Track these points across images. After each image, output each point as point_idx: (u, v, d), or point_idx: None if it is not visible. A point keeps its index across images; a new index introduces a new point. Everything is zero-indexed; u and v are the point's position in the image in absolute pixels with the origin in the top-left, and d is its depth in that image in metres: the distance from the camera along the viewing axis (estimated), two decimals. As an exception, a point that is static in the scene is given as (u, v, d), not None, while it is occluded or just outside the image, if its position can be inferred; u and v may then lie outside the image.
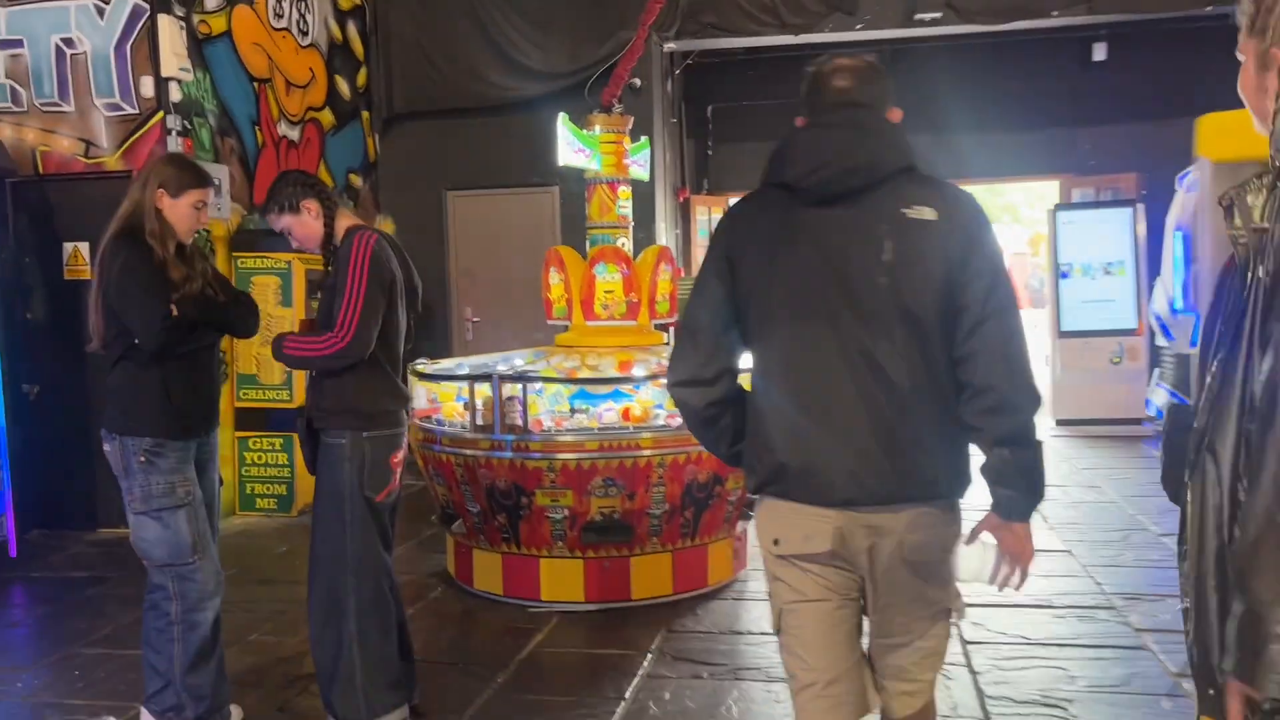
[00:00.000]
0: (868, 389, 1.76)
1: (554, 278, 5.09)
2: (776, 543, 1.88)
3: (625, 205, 5.11)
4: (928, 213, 1.77)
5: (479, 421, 4.51)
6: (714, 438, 1.98)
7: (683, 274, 6.93)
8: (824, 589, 1.87)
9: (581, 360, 4.84)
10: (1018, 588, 1.90)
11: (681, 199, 9.97)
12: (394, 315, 3.12)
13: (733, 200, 10.79)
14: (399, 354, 3.22)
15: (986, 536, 1.88)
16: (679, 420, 4.26)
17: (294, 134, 7.62)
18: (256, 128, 7.09)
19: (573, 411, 4.62)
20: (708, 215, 10.08)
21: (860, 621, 1.95)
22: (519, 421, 4.39)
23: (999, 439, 1.78)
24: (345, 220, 3.16)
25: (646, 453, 4.35)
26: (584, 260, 5.05)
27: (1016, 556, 1.86)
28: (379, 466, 3.10)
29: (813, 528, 1.82)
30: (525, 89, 8.47)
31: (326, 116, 8.16)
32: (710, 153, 10.46)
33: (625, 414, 4.58)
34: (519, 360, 5.21)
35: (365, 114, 8.84)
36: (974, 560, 1.88)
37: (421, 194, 8.98)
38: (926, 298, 1.76)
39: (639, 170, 5.33)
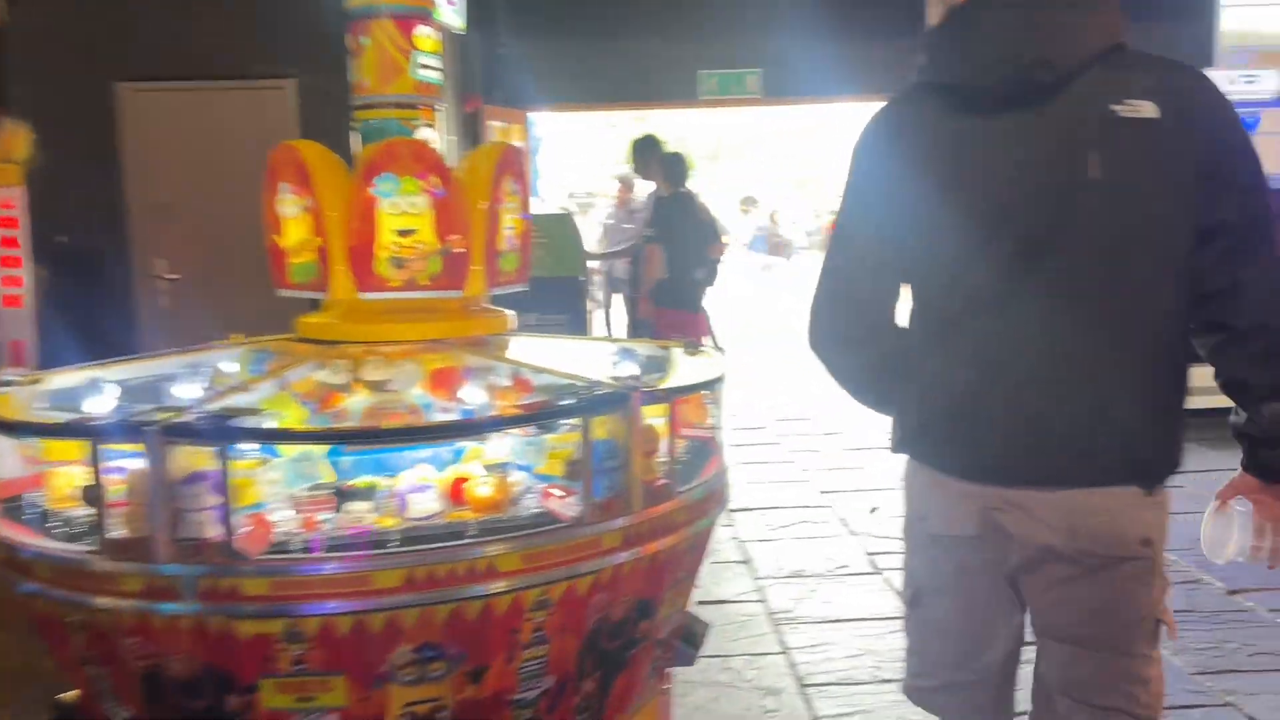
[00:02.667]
0: (1063, 341, 1.49)
1: (288, 204, 2.55)
2: (923, 518, 1.67)
3: (431, 64, 2.64)
4: (1147, 108, 1.45)
5: (115, 532, 1.96)
6: (876, 397, 1.75)
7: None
8: (972, 574, 1.62)
9: (351, 373, 2.40)
10: None
11: (469, 110, 7.43)
12: None
13: (534, 114, 8.36)
14: None
15: (1239, 503, 1.59)
16: (575, 495, 2.05)
17: None
18: None
19: (340, 496, 2.15)
20: (506, 131, 7.61)
21: (1020, 619, 1.67)
22: (211, 530, 1.90)
23: (1275, 389, 1.48)
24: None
25: (503, 585, 1.99)
26: (349, 170, 2.54)
27: None
28: None
29: (958, 506, 1.60)
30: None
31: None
32: (503, 53, 7.96)
33: (456, 493, 2.18)
34: (226, 369, 2.67)
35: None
36: (1226, 533, 1.59)
37: (79, 87, 5.93)
38: (1152, 223, 1.47)
39: (452, 12, 2.83)
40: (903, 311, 1.70)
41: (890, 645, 3.35)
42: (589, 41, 7.99)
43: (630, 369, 2.74)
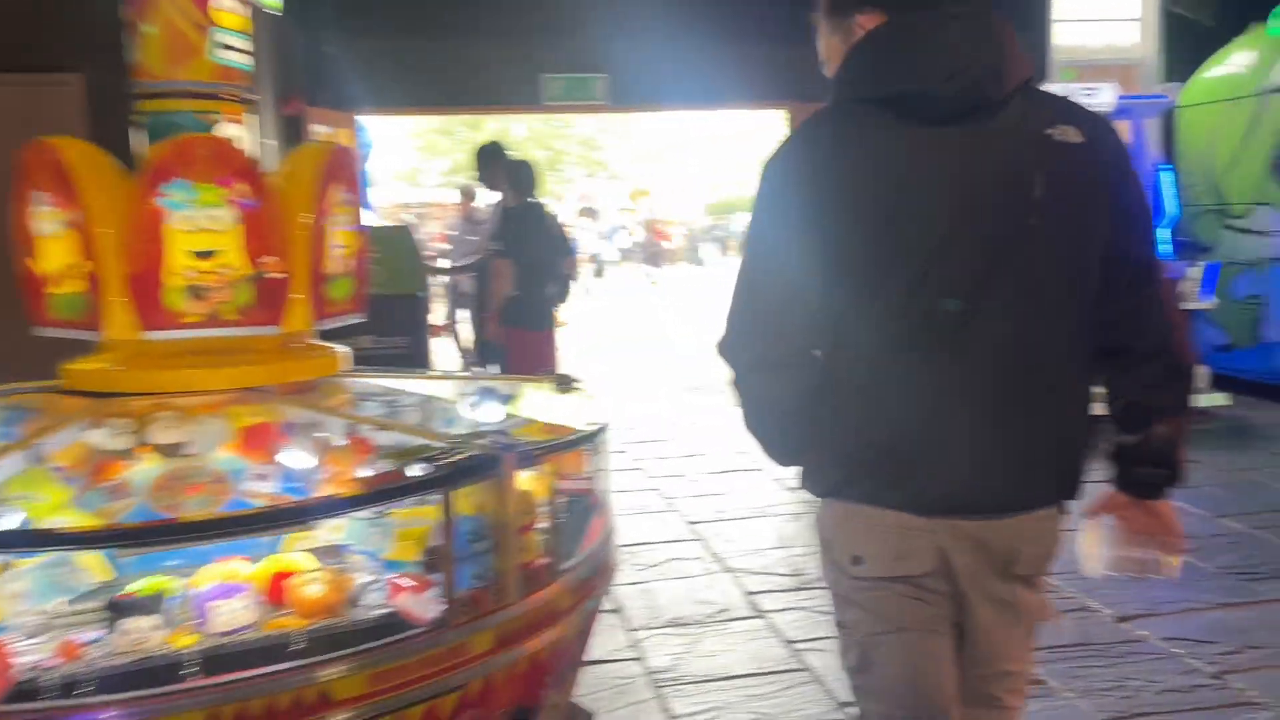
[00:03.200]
0: (1007, 364, 1.46)
1: (46, 219, 1.97)
2: (857, 561, 1.53)
3: (236, 45, 2.12)
4: (1073, 134, 1.46)
5: None
6: (783, 436, 1.59)
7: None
8: (921, 616, 1.53)
9: (135, 435, 1.86)
10: (1174, 574, 1.64)
11: (289, 112, 6.76)
12: None
13: (364, 118, 7.74)
14: None
15: (1110, 518, 1.61)
16: (435, 588, 1.59)
17: None
18: None
19: (115, 610, 1.61)
20: (331, 136, 6.96)
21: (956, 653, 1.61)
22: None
23: (1165, 411, 1.54)
24: None
25: (346, 718, 1.53)
26: (130, 174, 1.99)
27: (1165, 534, 1.60)
28: None
29: (909, 543, 1.50)
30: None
31: None
32: (328, 52, 7.31)
33: (275, 593, 1.68)
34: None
35: None
36: (1098, 547, 1.64)
37: None
38: (1080, 244, 1.48)
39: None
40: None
41: (786, 705, 3.02)
42: (425, 41, 7.45)
43: (493, 414, 2.31)
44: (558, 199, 38.13)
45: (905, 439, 1.48)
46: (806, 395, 1.54)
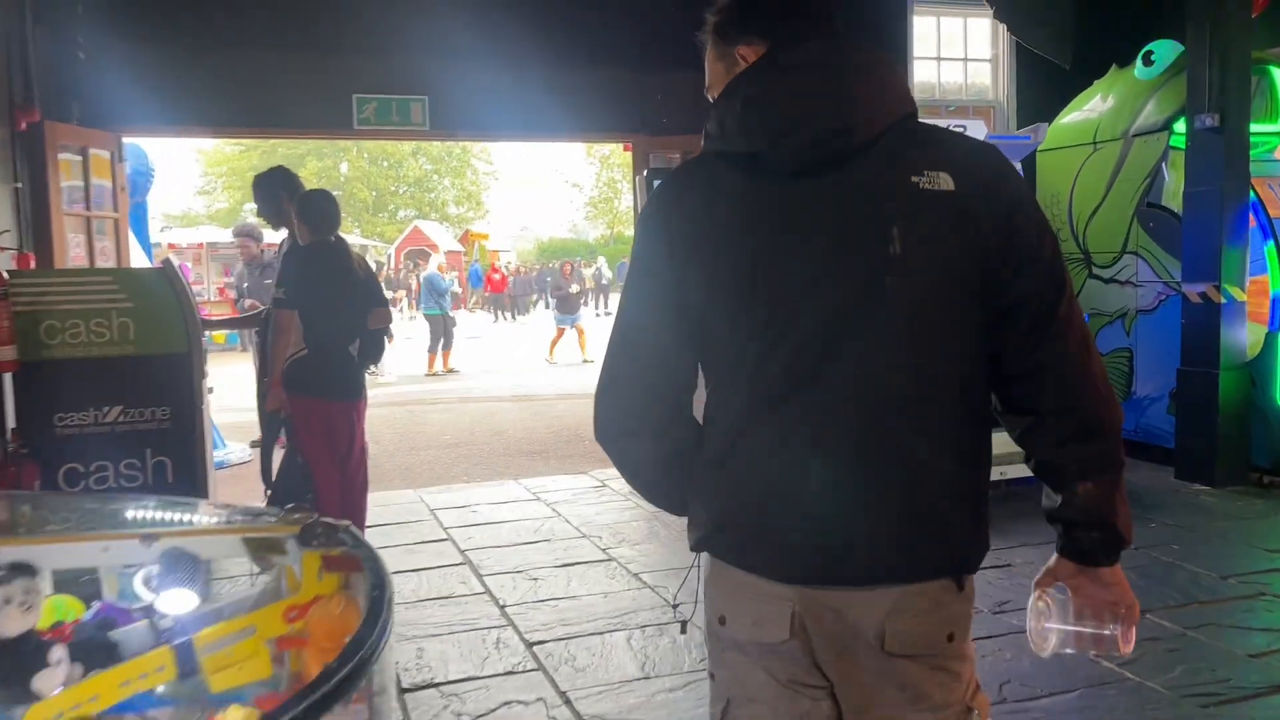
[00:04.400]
0: (866, 424, 1.39)
1: None
2: (722, 621, 1.51)
3: None
4: (944, 180, 1.40)
5: None
6: (666, 492, 1.59)
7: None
8: (782, 685, 1.48)
9: None
10: (1126, 650, 1.50)
11: (23, 127, 5.43)
12: None
13: (130, 139, 6.47)
14: None
15: (1059, 590, 1.53)
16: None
17: None
18: None
19: None
20: (83, 160, 5.67)
21: None
22: None
23: (1085, 471, 1.45)
24: None
25: None
26: None
27: (1114, 607, 1.49)
28: None
29: (764, 609, 1.46)
30: None
31: None
32: (82, 56, 6.02)
33: None
34: None
35: None
36: (1048, 624, 1.51)
37: None
38: (949, 296, 1.41)
39: None
40: (698, 400, 1.55)
41: None
42: (214, 53, 6.25)
43: (177, 601, 1.31)
44: (387, 242, 36.51)
45: (767, 499, 1.44)
46: (679, 455, 1.52)
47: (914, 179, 1.39)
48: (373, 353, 4.74)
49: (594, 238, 50.52)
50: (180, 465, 4.66)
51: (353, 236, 32.62)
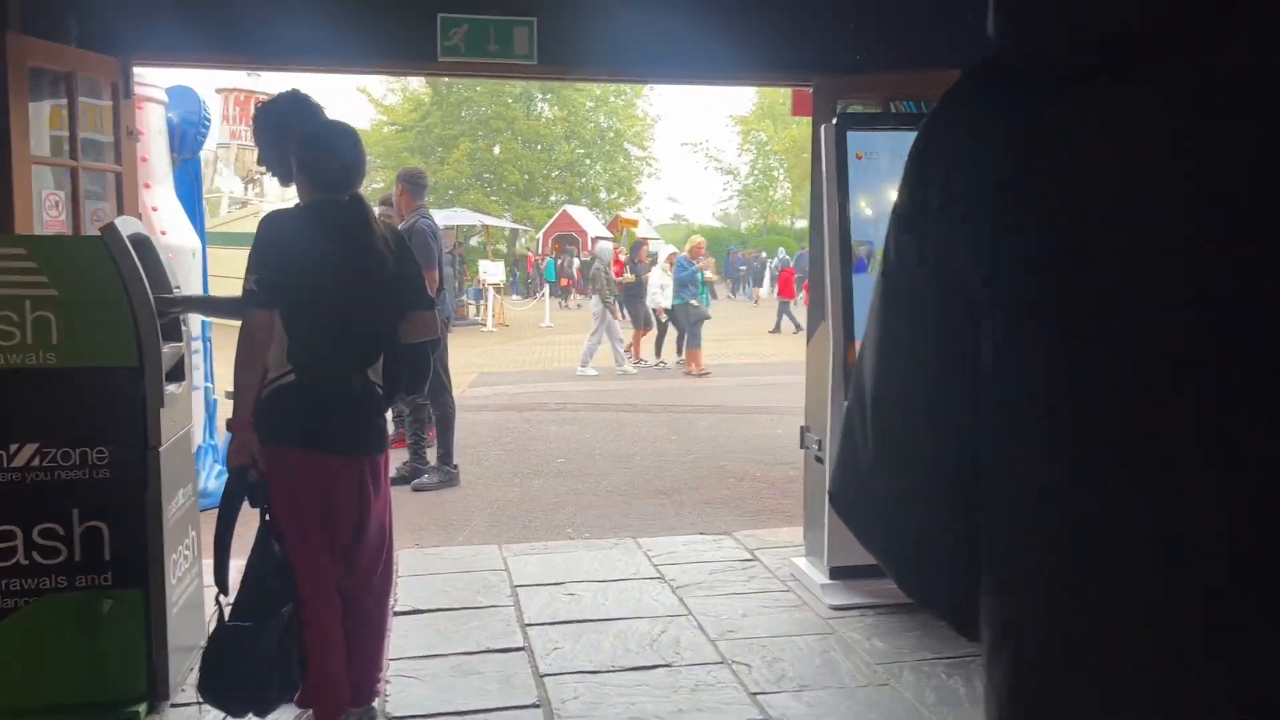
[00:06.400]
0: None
1: None
2: None
3: None
4: None
5: None
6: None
7: None
8: None
9: None
10: None
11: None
12: None
13: (145, 68, 4.96)
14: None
15: None
16: None
17: None
18: None
19: None
20: (67, 91, 4.18)
21: None
22: None
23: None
24: None
25: None
26: None
27: None
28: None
29: None
30: None
31: None
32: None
33: None
34: None
35: None
36: None
37: None
38: None
39: None
40: None
41: None
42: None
43: None
44: (536, 227, 35.11)
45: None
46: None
47: None
48: (408, 379, 3.02)
49: (745, 226, 48.47)
50: (121, 535, 3.08)
51: (503, 221, 31.54)
